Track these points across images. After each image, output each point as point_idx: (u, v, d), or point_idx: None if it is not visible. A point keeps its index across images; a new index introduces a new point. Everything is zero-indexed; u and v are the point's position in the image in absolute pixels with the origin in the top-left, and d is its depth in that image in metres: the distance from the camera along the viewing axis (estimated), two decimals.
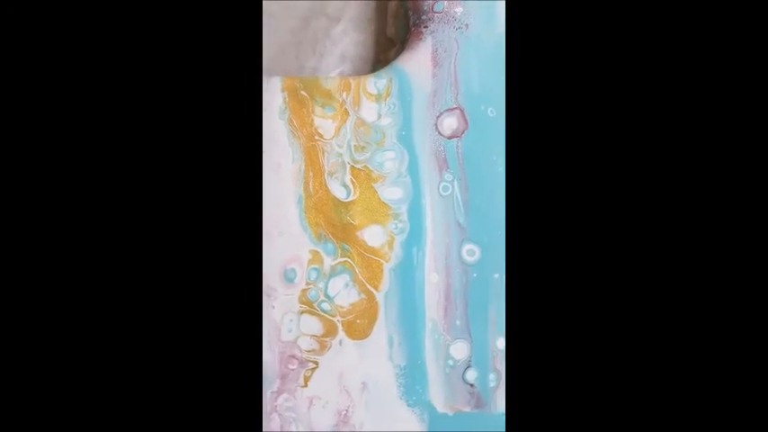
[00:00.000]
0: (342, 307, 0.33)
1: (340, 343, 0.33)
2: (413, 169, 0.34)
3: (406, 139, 0.35)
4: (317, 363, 0.33)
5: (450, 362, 0.33)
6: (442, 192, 0.34)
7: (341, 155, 0.34)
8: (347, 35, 0.40)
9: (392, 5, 0.40)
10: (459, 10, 0.36)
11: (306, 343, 0.33)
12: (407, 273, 0.34)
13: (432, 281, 0.34)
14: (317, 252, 0.34)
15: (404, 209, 0.34)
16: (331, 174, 0.34)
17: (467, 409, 0.33)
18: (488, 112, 0.35)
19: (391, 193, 0.34)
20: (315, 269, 0.34)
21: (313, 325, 0.33)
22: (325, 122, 0.34)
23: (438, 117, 0.35)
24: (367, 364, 0.33)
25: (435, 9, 0.36)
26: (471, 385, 0.33)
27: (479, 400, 0.33)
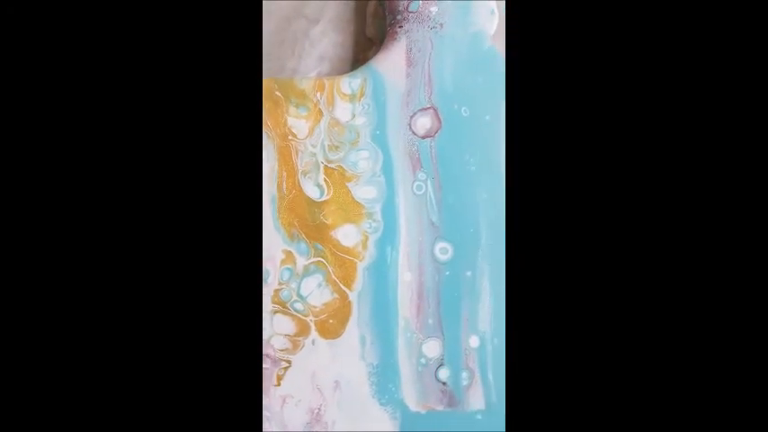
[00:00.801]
0: (315, 307, 0.34)
1: (313, 342, 0.33)
2: (387, 169, 0.35)
3: (380, 138, 0.35)
4: (289, 362, 0.33)
5: (423, 360, 0.33)
6: (415, 191, 0.34)
7: (314, 155, 0.34)
8: (326, 36, 0.41)
9: (371, 5, 0.40)
10: (434, 9, 0.36)
11: (279, 342, 0.33)
12: (381, 272, 0.34)
13: (405, 279, 0.34)
14: (289, 252, 0.34)
15: (378, 208, 0.34)
16: (305, 173, 0.34)
17: (439, 408, 0.33)
18: (462, 111, 0.35)
19: (365, 192, 0.34)
20: (288, 269, 0.34)
21: (286, 324, 0.34)
22: (298, 122, 0.35)
23: (412, 117, 0.35)
24: (339, 363, 0.33)
25: (410, 9, 0.36)
26: (444, 384, 0.33)
27: (452, 399, 0.33)
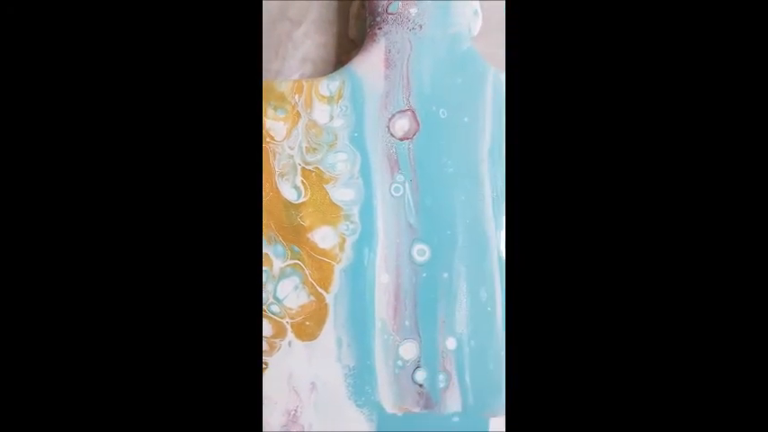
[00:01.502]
0: (291, 309, 0.34)
1: (289, 344, 0.34)
2: (365, 171, 0.35)
3: (358, 140, 0.35)
4: (266, 363, 0.33)
5: (400, 362, 0.33)
6: (393, 193, 0.34)
7: (292, 156, 0.35)
8: (309, 38, 0.41)
9: (354, 7, 0.40)
10: (413, 11, 0.36)
11: None
12: (358, 274, 0.34)
13: (382, 281, 0.34)
14: (266, 254, 0.34)
15: (355, 210, 0.34)
16: (282, 175, 0.34)
17: (416, 410, 0.33)
18: (440, 113, 0.35)
19: (343, 194, 0.34)
20: (264, 271, 0.34)
21: (263, 327, 0.34)
22: (276, 124, 0.35)
23: (390, 119, 0.35)
24: (316, 364, 0.33)
25: (390, 10, 0.36)
26: (420, 386, 0.33)
27: (428, 401, 0.33)
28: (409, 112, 0.35)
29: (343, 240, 0.34)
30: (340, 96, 0.35)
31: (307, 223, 0.34)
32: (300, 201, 0.34)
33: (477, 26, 0.39)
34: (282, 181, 0.34)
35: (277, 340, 0.33)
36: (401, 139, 0.35)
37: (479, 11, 0.39)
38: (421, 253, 0.34)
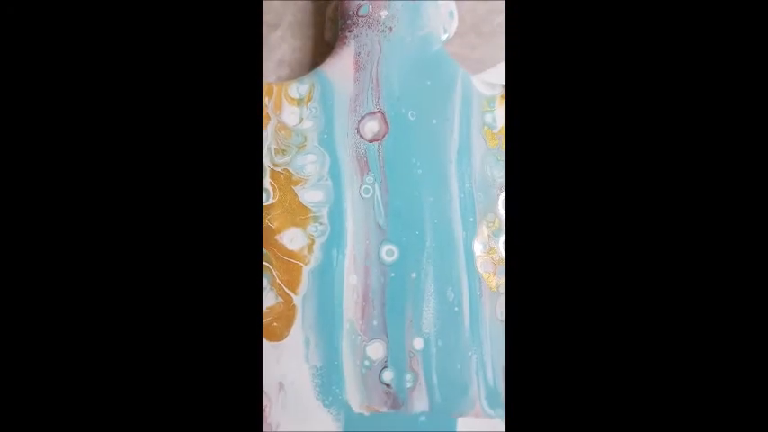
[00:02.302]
0: None
1: None
2: (334, 172, 0.35)
3: (327, 142, 0.35)
4: None
5: (367, 362, 0.33)
6: (363, 194, 0.35)
7: (261, 158, 0.35)
8: (285, 41, 0.41)
9: (329, 10, 0.40)
10: (383, 13, 0.36)
11: None
12: (326, 275, 0.34)
13: (350, 282, 0.34)
14: None
15: (324, 211, 0.34)
16: None
17: (383, 410, 0.33)
18: (409, 115, 0.35)
19: (312, 196, 0.35)
20: None
21: None
22: None
23: (359, 121, 0.35)
24: (283, 365, 0.33)
25: (360, 13, 0.36)
26: (388, 386, 0.33)
27: (395, 401, 0.33)
28: (379, 114, 0.35)
29: (312, 242, 0.34)
30: (309, 99, 0.35)
31: (275, 225, 0.34)
32: (269, 203, 0.34)
33: (452, 27, 0.39)
34: None
35: None
36: (371, 141, 0.35)
37: (455, 12, 0.39)
38: (390, 253, 0.34)
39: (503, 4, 0.40)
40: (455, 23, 0.39)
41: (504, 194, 0.35)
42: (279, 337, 0.33)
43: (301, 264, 0.34)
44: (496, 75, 0.41)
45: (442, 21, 0.38)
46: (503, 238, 0.34)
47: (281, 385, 0.33)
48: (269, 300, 0.34)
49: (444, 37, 0.37)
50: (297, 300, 0.34)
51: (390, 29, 0.36)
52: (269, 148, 0.35)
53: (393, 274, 0.34)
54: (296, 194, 0.34)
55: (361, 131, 0.35)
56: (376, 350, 0.33)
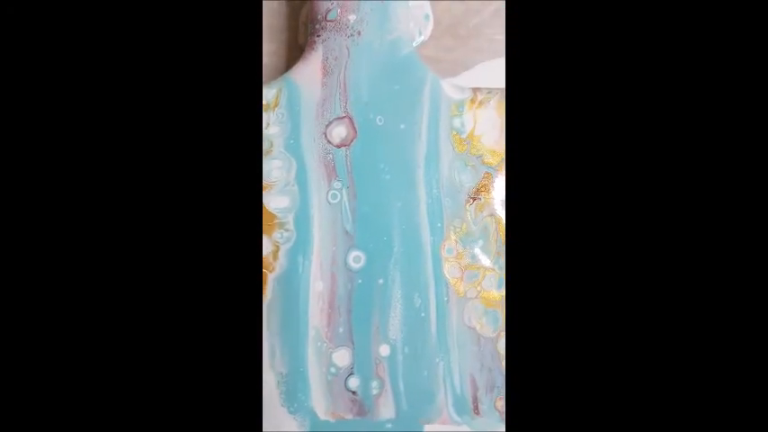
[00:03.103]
0: None
1: None
2: (301, 178, 0.35)
3: (293, 147, 0.35)
4: None
5: (333, 369, 0.33)
6: (330, 200, 0.34)
7: None
8: None
9: (303, 14, 0.40)
10: (352, 17, 0.36)
11: None
12: (292, 282, 0.34)
13: (316, 289, 0.34)
14: None
15: (290, 217, 0.34)
16: None
17: (349, 417, 0.33)
18: (377, 120, 0.35)
19: (278, 201, 0.35)
20: None
21: None
22: None
23: (327, 126, 0.35)
24: None
25: (329, 18, 0.36)
26: (353, 393, 0.33)
27: (361, 408, 0.33)
28: (346, 119, 0.35)
29: (277, 248, 0.34)
30: (276, 104, 0.35)
31: None
32: None
33: (428, 30, 0.39)
34: None
35: None
36: (338, 146, 0.35)
37: (431, 15, 0.38)
38: (357, 260, 0.34)
39: (480, 5, 0.40)
40: (431, 26, 0.38)
41: (474, 201, 0.34)
42: None
43: (266, 271, 0.34)
44: (471, 78, 0.41)
45: (418, 23, 0.37)
46: (472, 243, 0.34)
47: None
48: None
49: (419, 40, 0.37)
50: (262, 307, 0.33)
51: (359, 33, 0.35)
52: None
53: (360, 281, 0.34)
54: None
55: (328, 136, 0.35)
56: (342, 357, 0.33)
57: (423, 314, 0.33)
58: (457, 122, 0.35)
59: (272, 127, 0.35)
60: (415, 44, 0.37)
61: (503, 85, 0.38)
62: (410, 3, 0.37)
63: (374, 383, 0.33)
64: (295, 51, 0.41)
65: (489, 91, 0.36)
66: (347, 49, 0.36)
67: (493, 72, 0.41)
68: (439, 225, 0.34)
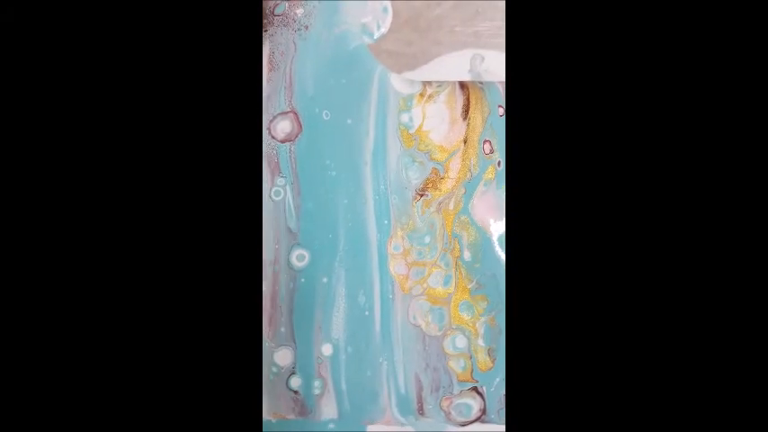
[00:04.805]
0: None
1: None
2: None
3: None
4: None
5: (275, 369, 0.33)
6: (273, 196, 0.34)
7: None
8: None
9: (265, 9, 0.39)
10: (299, 11, 0.35)
11: None
12: None
13: None
14: None
15: None
16: None
17: (291, 417, 0.33)
18: (323, 115, 0.34)
19: None
20: None
21: None
22: None
23: (271, 121, 0.35)
24: None
25: (276, 12, 0.35)
26: (295, 392, 0.33)
27: (303, 408, 0.33)
28: (291, 114, 0.34)
29: None
30: None
31: None
32: None
33: (386, 23, 0.38)
34: None
35: None
36: (282, 142, 0.34)
37: (390, 8, 0.38)
38: (300, 258, 0.33)
39: None
40: (389, 19, 0.38)
41: (422, 198, 0.34)
42: None
43: None
44: (429, 71, 0.40)
45: (377, 16, 0.37)
46: (419, 239, 0.33)
47: None
48: None
49: (378, 33, 0.36)
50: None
51: (306, 27, 0.35)
52: None
53: (303, 280, 0.33)
54: None
55: (272, 132, 0.34)
56: (283, 357, 0.33)
57: (367, 312, 0.33)
58: (405, 117, 0.35)
59: None
60: (375, 37, 0.36)
61: (461, 78, 0.38)
62: None
63: (316, 383, 0.33)
64: None
65: (440, 84, 0.35)
66: (294, 43, 0.35)
67: (452, 65, 0.41)
68: (386, 222, 0.34)
